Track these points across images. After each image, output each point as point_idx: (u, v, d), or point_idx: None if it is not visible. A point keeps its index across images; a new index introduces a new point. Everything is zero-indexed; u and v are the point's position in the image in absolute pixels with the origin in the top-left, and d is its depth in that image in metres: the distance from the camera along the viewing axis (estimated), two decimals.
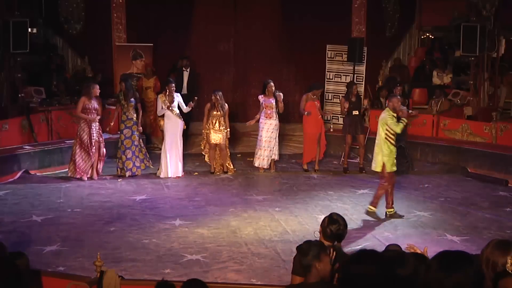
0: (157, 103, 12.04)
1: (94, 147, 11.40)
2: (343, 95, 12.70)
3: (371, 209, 9.54)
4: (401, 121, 9.17)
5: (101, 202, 10.29)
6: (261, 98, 12.14)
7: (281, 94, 12.19)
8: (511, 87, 14.95)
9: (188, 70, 14.24)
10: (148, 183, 11.43)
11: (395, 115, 9.19)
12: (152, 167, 11.99)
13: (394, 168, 9.49)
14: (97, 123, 11.50)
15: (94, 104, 11.41)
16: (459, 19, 14.68)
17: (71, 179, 11.46)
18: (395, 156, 9.43)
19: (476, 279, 2.72)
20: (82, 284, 5.38)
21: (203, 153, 12.25)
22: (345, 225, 4.89)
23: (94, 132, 11.41)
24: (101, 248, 7.85)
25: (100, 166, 11.68)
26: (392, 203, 9.54)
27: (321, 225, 4.92)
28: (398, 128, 9.19)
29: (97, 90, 11.47)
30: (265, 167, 12.25)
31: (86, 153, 11.39)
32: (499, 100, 14.43)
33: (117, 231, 8.82)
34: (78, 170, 11.44)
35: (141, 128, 11.96)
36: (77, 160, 11.42)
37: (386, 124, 9.21)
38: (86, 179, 11.45)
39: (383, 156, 9.38)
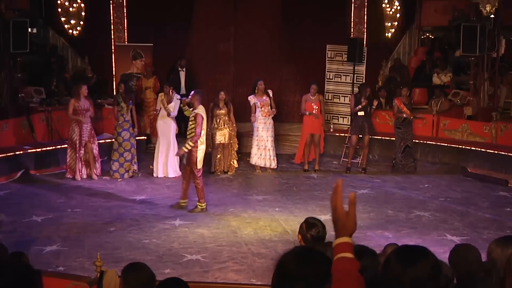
0: (156, 102, 12.08)
1: (83, 148, 11.41)
2: (355, 93, 12.71)
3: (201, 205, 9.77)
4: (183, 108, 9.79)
5: (101, 202, 10.29)
6: (252, 98, 12.15)
7: (270, 91, 12.28)
8: (511, 87, 14.94)
9: (184, 70, 14.21)
10: (148, 183, 11.43)
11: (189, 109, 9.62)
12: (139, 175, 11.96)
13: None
14: (89, 124, 11.49)
15: (84, 104, 11.41)
16: (459, 19, 14.68)
17: (70, 179, 11.47)
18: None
19: (433, 274, 2.73)
20: (82, 284, 5.38)
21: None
22: (323, 226, 4.73)
23: (84, 133, 11.42)
24: (101, 248, 7.85)
25: (97, 166, 11.67)
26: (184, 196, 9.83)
27: (299, 233, 4.82)
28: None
29: (84, 90, 11.48)
30: (274, 167, 12.29)
31: (75, 153, 11.42)
32: (499, 100, 14.41)
33: (117, 231, 8.83)
34: (68, 170, 11.50)
35: (136, 130, 11.97)
36: (67, 160, 11.48)
37: None
38: (79, 178, 11.44)
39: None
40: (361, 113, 12.23)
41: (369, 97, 12.35)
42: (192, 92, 9.81)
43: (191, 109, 9.55)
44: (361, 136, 12.35)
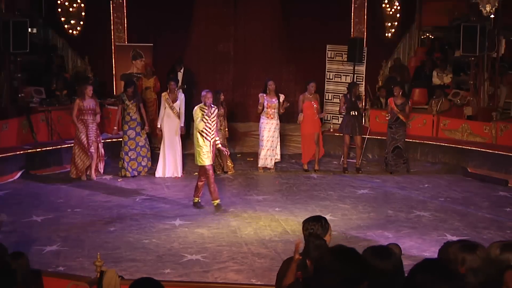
0: (161, 102, 12.06)
1: (92, 147, 11.42)
2: (344, 94, 12.70)
3: (194, 199, 9.91)
4: (203, 119, 9.57)
5: (101, 202, 10.29)
6: (263, 97, 12.15)
7: (282, 95, 12.27)
8: (511, 87, 14.94)
9: (181, 71, 14.21)
10: (148, 183, 11.43)
11: (205, 109, 9.56)
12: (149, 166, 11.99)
13: (203, 162, 9.60)
14: (95, 124, 11.49)
15: (90, 104, 11.41)
16: (459, 19, 14.68)
17: (71, 179, 11.47)
18: (206, 150, 9.60)
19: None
20: (82, 284, 5.38)
21: None
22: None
23: (91, 132, 11.42)
24: (101, 248, 7.86)
25: (101, 166, 11.70)
26: (213, 195, 9.77)
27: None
28: (198, 126, 9.60)
29: (89, 90, 11.48)
30: (270, 166, 12.31)
31: (84, 153, 11.42)
32: (499, 100, 14.41)
33: (117, 231, 8.83)
34: (77, 171, 11.49)
35: (147, 127, 11.92)
36: (76, 161, 11.46)
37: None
38: (85, 179, 11.46)
39: (195, 149, 9.78)
40: (353, 113, 12.22)
41: (358, 96, 12.35)
42: (203, 92, 9.81)
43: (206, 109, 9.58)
44: (352, 135, 12.35)
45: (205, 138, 9.61)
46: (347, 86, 12.97)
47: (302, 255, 4.26)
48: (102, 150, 11.65)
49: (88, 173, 11.60)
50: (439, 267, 2.90)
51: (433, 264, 2.93)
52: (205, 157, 9.63)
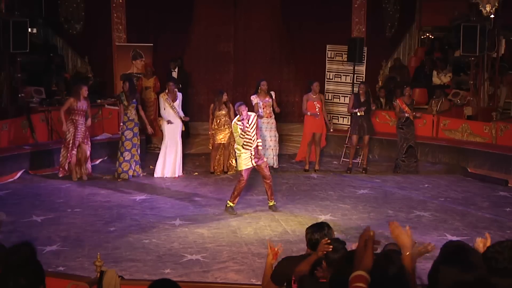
0: (159, 103, 12.04)
1: (76, 149, 11.39)
2: (355, 92, 12.71)
3: (229, 204, 9.75)
4: (241, 135, 9.47)
5: (101, 202, 10.29)
6: (255, 98, 12.18)
7: (273, 92, 12.35)
8: (511, 87, 14.95)
9: (176, 70, 14.20)
10: (148, 183, 11.43)
11: (240, 123, 9.45)
12: (142, 175, 11.88)
13: (240, 166, 9.67)
14: (84, 125, 11.42)
15: (83, 105, 11.35)
16: (459, 19, 14.67)
17: (71, 179, 11.46)
18: (244, 157, 9.53)
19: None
20: (82, 284, 5.38)
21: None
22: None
23: (79, 133, 11.38)
24: (101, 248, 7.86)
25: (88, 166, 11.63)
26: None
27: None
28: (238, 142, 9.55)
29: (85, 91, 11.43)
30: (276, 166, 12.34)
31: (67, 153, 11.40)
32: (499, 100, 14.42)
33: (117, 231, 8.83)
34: (60, 169, 11.51)
35: (150, 128, 11.90)
36: (60, 159, 11.50)
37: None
38: (75, 179, 11.37)
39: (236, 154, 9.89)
40: (360, 113, 12.23)
41: (367, 95, 12.35)
42: (236, 105, 9.78)
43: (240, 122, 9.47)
44: (361, 136, 12.36)
45: (247, 148, 9.54)
46: (358, 85, 12.97)
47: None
48: (88, 152, 11.56)
49: (79, 173, 11.56)
50: (462, 258, 2.88)
51: (455, 255, 2.92)
52: (242, 162, 9.56)
